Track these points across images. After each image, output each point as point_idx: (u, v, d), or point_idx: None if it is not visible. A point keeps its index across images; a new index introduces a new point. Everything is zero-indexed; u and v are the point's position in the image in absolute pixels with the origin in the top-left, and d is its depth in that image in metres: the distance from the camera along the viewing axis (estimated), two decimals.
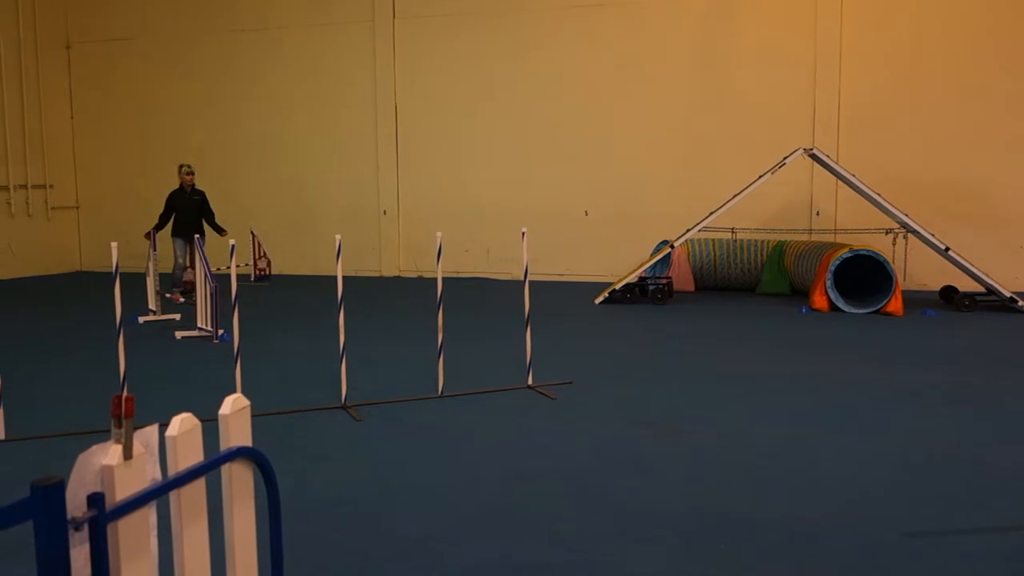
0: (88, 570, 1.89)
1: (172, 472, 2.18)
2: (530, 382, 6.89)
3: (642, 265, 12.17)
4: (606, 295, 11.76)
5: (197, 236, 10.12)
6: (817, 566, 3.67)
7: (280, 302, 12.26)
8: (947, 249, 10.91)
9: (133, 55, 16.62)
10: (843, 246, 11.09)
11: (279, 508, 2.51)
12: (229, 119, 16.12)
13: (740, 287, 12.91)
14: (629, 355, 8.26)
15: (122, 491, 1.97)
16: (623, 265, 13.54)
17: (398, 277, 15.33)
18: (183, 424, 2.21)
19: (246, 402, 2.47)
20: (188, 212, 11.70)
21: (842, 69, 13.07)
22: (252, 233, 14.46)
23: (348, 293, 6.70)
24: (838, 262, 10.65)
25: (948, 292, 11.44)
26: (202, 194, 11.91)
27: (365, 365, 7.65)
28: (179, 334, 9.43)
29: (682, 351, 8.45)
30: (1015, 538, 3.94)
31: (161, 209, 11.85)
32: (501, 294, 12.78)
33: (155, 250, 10.96)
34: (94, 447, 1.95)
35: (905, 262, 11.78)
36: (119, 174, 16.87)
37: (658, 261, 12.22)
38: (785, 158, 11.36)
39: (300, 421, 6.03)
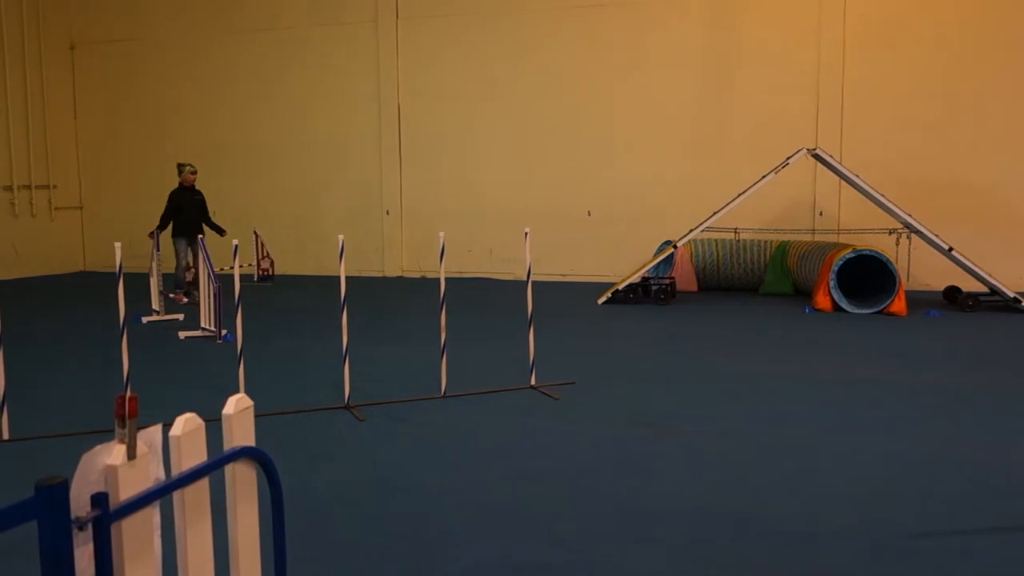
0: (92, 570, 1.90)
1: (176, 472, 2.18)
2: (533, 382, 6.90)
3: (645, 265, 12.17)
4: (609, 295, 11.76)
5: (200, 236, 10.15)
6: (819, 566, 3.67)
7: (283, 302, 12.27)
8: (950, 249, 10.89)
9: (137, 56, 16.65)
10: (846, 246, 11.08)
11: (282, 508, 2.52)
12: (231, 120, 16.14)
13: (743, 287, 12.90)
14: (632, 355, 8.26)
15: (126, 491, 1.97)
16: (626, 265, 13.53)
17: (401, 277, 15.34)
18: (187, 424, 2.22)
19: (249, 402, 2.48)
20: (191, 212, 11.71)
21: (845, 69, 13.07)
22: (255, 233, 14.48)
23: (351, 293, 6.70)
24: (841, 262, 10.64)
25: (952, 292, 11.42)
26: (201, 194, 11.93)
27: (368, 365, 7.66)
28: (182, 334, 9.44)
29: (685, 351, 8.45)
30: (1018, 539, 3.94)
31: (163, 209, 11.84)
32: (504, 294, 12.79)
33: (158, 250, 10.98)
34: (98, 447, 1.96)
35: (908, 262, 11.77)
36: (122, 175, 16.90)
37: (661, 261, 12.22)
38: (788, 158, 11.36)
39: (303, 421, 6.04)
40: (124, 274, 5.97)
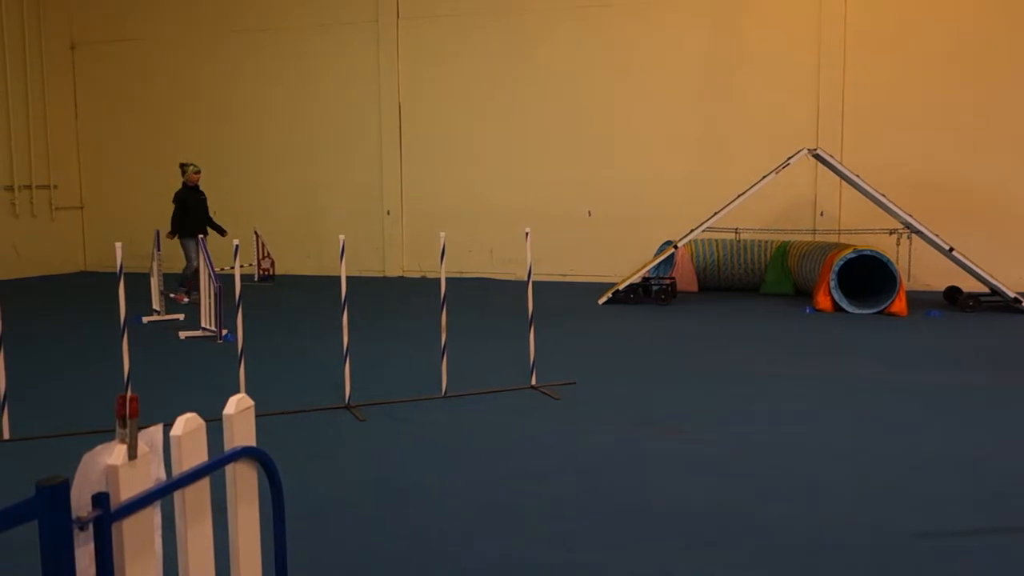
0: (93, 570, 1.90)
1: (176, 472, 2.19)
2: (533, 382, 6.90)
3: (645, 265, 12.17)
4: (609, 295, 11.76)
5: (201, 236, 10.17)
6: (820, 567, 3.67)
7: (284, 302, 12.28)
8: (951, 249, 10.89)
9: (137, 56, 16.65)
10: (847, 246, 11.07)
11: (283, 508, 2.52)
12: (232, 119, 16.14)
13: (744, 287, 12.90)
14: (632, 355, 8.27)
15: (127, 491, 1.98)
16: (626, 265, 13.54)
17: (401, 277, 15.34)
18: (187, 424, 2.23)
19: (250, 402, 2.48)
20: (199, 211, 11.67)
21: (846, 69, 13.06)
22: (256, 233, 14.48)
23: (352, 293, 6.71)
24: (842, 262, 10.64)
25: (952, 292, 11.42)
26: (204, 193, 11.92)
27: (369, 365, 7.66)
28: (183, 334, 9.45)
29: (685, 352, 8.45)
30: (1018, 539, 3.94)
31: (172, 210, 11.76)
32: (504, 294, 12.79)
33: (159, 250, 10.98)
34: (99, 447, 1.96)
35: (909, 262, 11.76)
36: (123, 174, 16.91)
37: (662, 262, 12.23)
38: (789, 158, 11.36)
39: (304, 421, 6.05)
40: (124, 274, 5.97)
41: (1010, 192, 12.60)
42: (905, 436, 5.56)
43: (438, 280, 6.96)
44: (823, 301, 10.72)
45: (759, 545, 3.88)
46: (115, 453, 1.97)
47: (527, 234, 6.93)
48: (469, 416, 6.12)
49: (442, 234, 6.82)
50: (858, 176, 11.32)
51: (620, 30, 14.03)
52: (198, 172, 11.80)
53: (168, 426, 2.19)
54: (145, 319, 10.39)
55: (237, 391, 5.70)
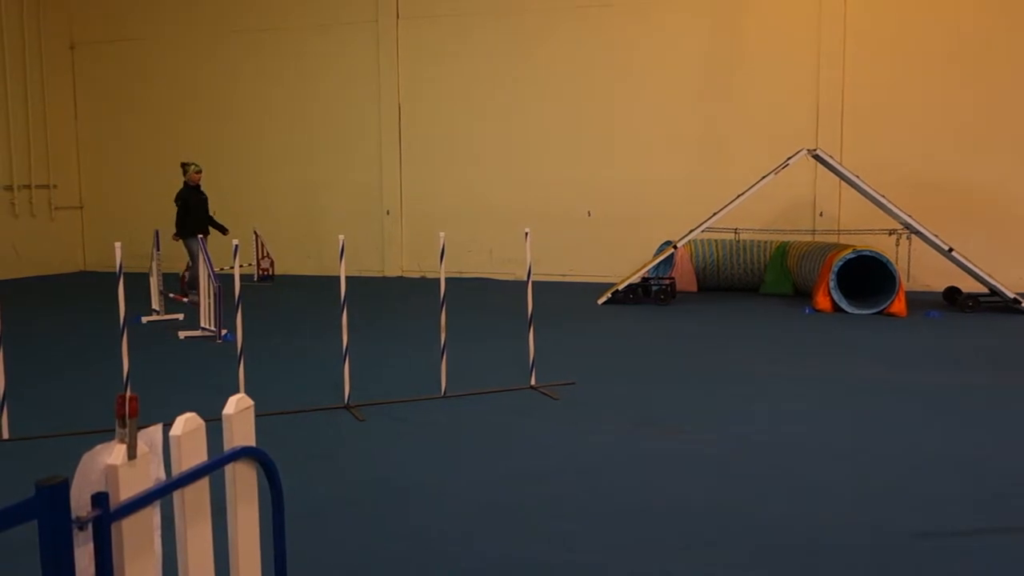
0: (92, 570, 1.90)
1: (176, 472, 2.19)
2: (533, 382, 6.90)
3: (645, 266, 12.17)
4: (609, 296, 11.76)
5: (201, 236, 10.16)
6: (820, 567, 3.67)
7: (283, 302, 12.27)
8: (950, 250, 10.89)
9: (137, 56, 16.65)
10: (846, 247, 11.08)
11: (282, 507, 2.52)
12: (232, 120, 16.14)
13: (743, 288, 12.90)
14: (632, 356, 8.26)
15: (126, 491, 1.98)
16: (626, 266, 13.54)
17: (401, 277, 15.34)
18: (187, 424, 2.23)
19: (250, 402, 2.48)
20: (201, 210, 11.64)
21: (845, 70, 13.07)
22: (255, 233, 14.48)
23: (351, 293, 6.70)
24: (841, 263, 10.64)
25: (951, 293, 11.42)
26: (205, 193, 11.89)
27: (368, 365, 7.66)
28: (182, 334, 9.45)
29: (685, 352, 8.45)
30: (1018, 539, 3.94)
31: (173, 209, 11.71)
32: (504, 294, 12.79)
33: (158, 250, 10.97)
34: (98, 447, 1.96)
35: (908, 263, 11.77)
36: (123, 174, 16.91)
37: (661, 262, 12.22)
38: (788, 159, 11.36)
39: (303, 421, 6.04)
40: (124, 274, 5.97)
41: (1009, 192, 12.61)
42: (905, 436, 5.56)
43: (437, 280, 6.96)
44: (822, 301, 10.72)
45: (759, 545, 3.88)
46: (114, 453, 1.96)
47: (527, 234, 6.92)
48: (469, 416, 6.12)
49: (442, 234, 6.82)
50: (857, 176, 11.32)
51: (620, 30, 14.03)
52: (199, 171, 11.77)
53: (167, 426, 2.19)
54: (144, 319, 10.39)
55: (236, 391, 5.69)
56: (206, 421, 2.32)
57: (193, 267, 11.74)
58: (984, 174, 12.67)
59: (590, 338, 9.30)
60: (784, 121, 13.26)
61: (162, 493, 2.08)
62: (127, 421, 2.00)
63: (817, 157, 11.59)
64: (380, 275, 15.43)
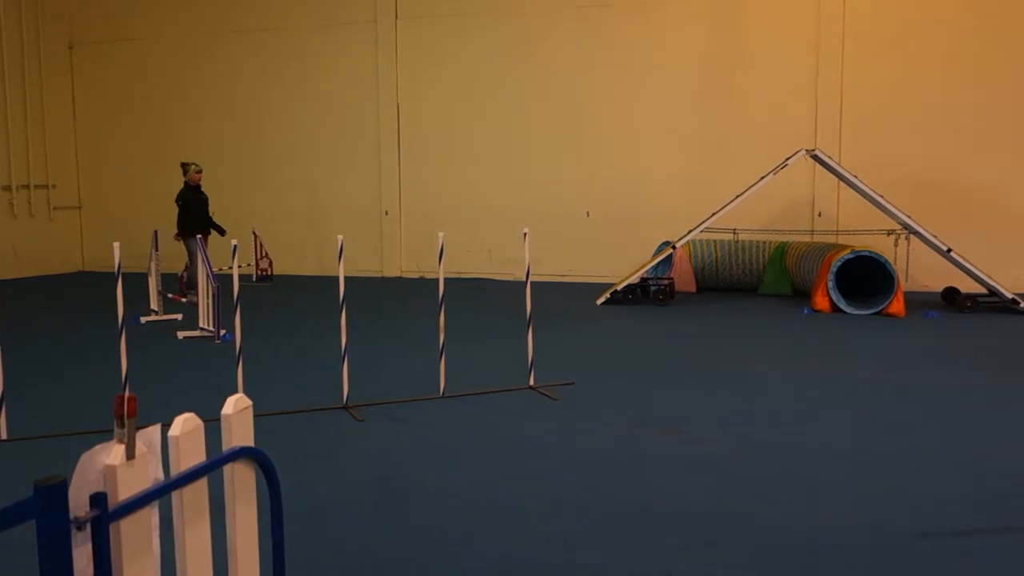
0: (90, 570, 1.89)
1: (174, 472, 2.18)
2: (532, 383, 6.89)
3: (644, 266, 12.17)
4: (608, 296, 11.76)
5: (200, 236, 10.15)
6: (820, 567, 3.67)
7: (282, 302, 12.26)
8: (949, 250, 10.90)
9: (136, 56, 16.64)
10: (845, 247, 11.08)
11: (281, 508, 2.51)
12: (230, 120, 16.13)
13: (742, 288, 12.90)
14: (630, 356, 8.26)
15: (124, 491, 1.97)
16: (625, 266, 13.53)
17: (400, 277, 15.33)
18: (185, 424, 2.22)
19: (248, 402, 2.48)
20: (201, 210, 11.61)
21: (844, 70, 13.07)
22: (254, 233, 14.47)
23: (350, 293, 6.70)
24: (840, 263, 10.64)
25: (950, 293, 11.43)
26: (205, 193, 11.86)
27: (367, 365, 7.65)
28: (181, 334, 9.44)
29: (684, 352, 8.45)
30: (1018, 539, 3.94)
31: (173, 210, 11.68)
32: (502, 294, 12.78)
33: (157, 250, 10.96)
34: (97, 447, 1.96)
35: (907, 263, 11.77)
36: (121, 174, 16.89)
37: (660, 262, 12.22)
38: (787, 159, 11.36)
39: (302, 421, 6.04)
40: (123, 274, 5.97)
41: (1008, 193, 12.61)
42: (905, 436, 5.55)
43: (436, 280, 6.96)
44: (821, 302, 10.72)
45: (759, 545, 3.88)
46: (113, 453, 1.96)
47: (525, 234, 6.92)
48: (468, 416, 6.12)
49: (440, 234, 6.82)
50: (856, 177, 11.32)
51: (620, 30, 14.03)
52: (200, 171, 11.74)
53: (166, 426, 2.19)
54: (143, 319, 10.38)
55: (235, 391, 5.68)
56: (205, 421, 2.31)
57: (192, 267, 11.72)
58: (983, 174, 12.67)
59: (589, 338, 9.30)
60: (783, 121, 13.26)
61: (161, 493, 2.07)
62: (125, 421, 2.00)
63: (816, 157, 11.59)
64: (379, 275, 15.42)
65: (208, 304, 9.30)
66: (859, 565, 3.68)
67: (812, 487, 4.62)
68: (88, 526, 1.87)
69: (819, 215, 13.37)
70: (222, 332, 9.05)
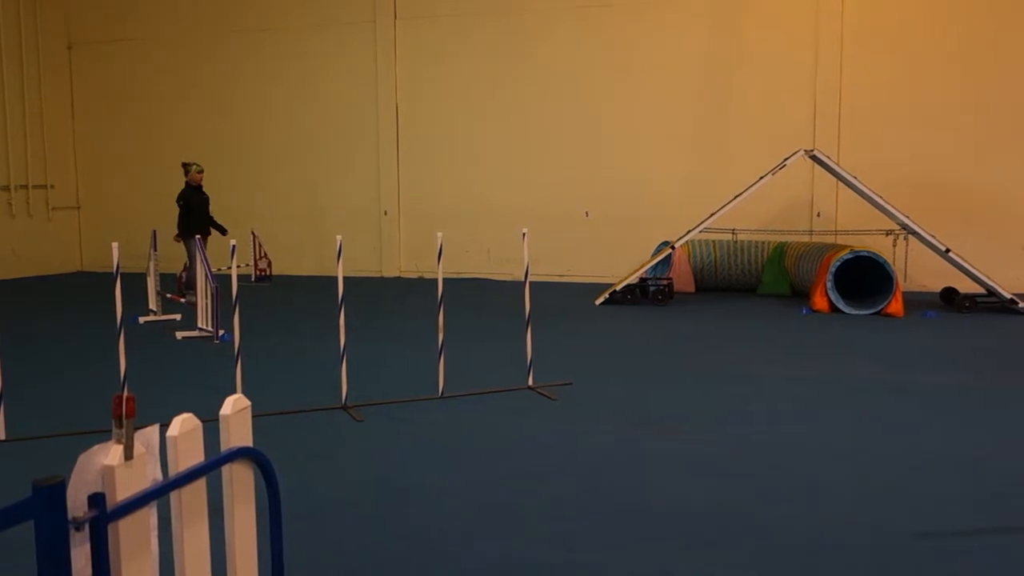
0: (89, 570, 1.89)
1: (173, 472, 2.17)
2: (530, 383, 6.89)
3: (643, 266, 12.17)
4: (607, 296, 11.75)
5: (198, 237, 10.14)
6: (820, 567, 3.66)
7: (281, 303, 12.25)
8: (947, 250, 10.90)
9: (134, 56, 16.63)
10: (844, 247, 11.08)
11: (280, 508, 2.51)
12: (229, 120, 16.12)
13: (741, 288, 12.90)
14: (629, 356, 8.26)
15: (123, 491, 1.97)
16: (624, 266, 13.53)
17: (399, 278, 15.33)
18: (184, 424, 2.21)
19: (247, 402, 2.47)
20: (202, 211, 11.59)
21: (843, 70, 13.07)
22: (253, 233, 14.46)
23: (348, 294, 6.69)
24: (839, 263, 10.64)
25: (948, 293, 11.43)
26: (206, 193, 11.84)
27: (365, 366, 7.65)
28: (180, 334, 9.43)
29: (683, 352, 8.44)
30: (1018, 540, 3.94)
31: (173, 210, 11.65)
32: (501, 295, 12.78)
33: (156, 250, 10.94)
34: (95, 447, 1.95)
35: (906, 263, 11.77)
36: (120, 174, 16.88)
37: (659, 262, 12.22)
38: (786, 159, 11.36)
39: (301, 421, 6.03)
40: (121, 274, 5.96)
41: (1007, 193, 12.62)
42: (904, 436, 5.55)
43: (435, 280, 6.95)
44: (820, 302, 10.72)
45: (759, 545, 3.88)
46: (111, 453, 1.95)
47: (524, 235, 6.92)
48: (467, 416, 6.11)
49: (439, 234, 6.81)
50: (855, 177, 11.32)
51: (620, 30, 14.03)
52: (201, 171, 11.72)
53: (164, 426, 2.18)
54: (142, 319, 10.37)
55: (234, 391, 5.69)
56: (203, 422, 2.30)
57: (191, 268, 11.70)
58: (981, 175, 12.68)
59: (587, 338, 9.29)
60: (782, 122, 13.26)
61: (159, 494, 2.07)
62: (124, 422, 1.99)
63: (814, 158, 11.60)
64: (378, 275, 15.41)
65: (207, 304, 9.29)
66: (859, 565, 3.67)
67: (812, 487, 4.62)
68: (86, 526, 1.86)
69: (818, 215, 13.37)
70: (221, 332, 9.04)
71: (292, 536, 3.48)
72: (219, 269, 11.90)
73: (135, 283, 11.26)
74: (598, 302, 11.72)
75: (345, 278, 6.45)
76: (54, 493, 1.77)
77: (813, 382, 7.06)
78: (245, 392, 4.89)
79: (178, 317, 10.52)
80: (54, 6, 16.58)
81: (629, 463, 5.06)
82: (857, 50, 13.01)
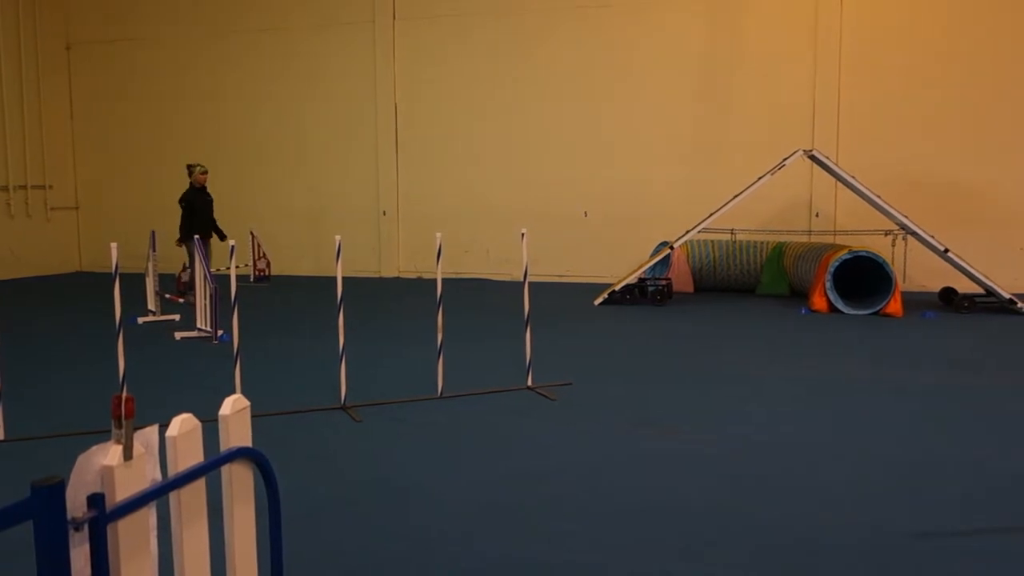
0: (88, 571, 1.88)
1: (172, 473, 2.17)
2: (529, 383, 6.88)
3: (642, 266, 12.16)
4: (605, 296, 11.75)
5: (197, 237, 10.13)
6: (820, 567, 3.66)
7: (279, 303, 12.25)
8: (946, 251, 10.90)
9: (133, 56, 16.61)
10: (842, 247, 11.08)
11: (279, 508, 2.51)
12: (228, 120, 16.11)
13: (739, 288, 12.90)
14: (628, 356, 8.26)
15: (122, 492, 1.96)
16: (623, 266, 13.53)
17: (398, 278, 15.32)
18: (183, 425, 2.21)
19: (246, 403, 2.47)
20: (205, 212, 11.57)
21: (842, 70, 13.08)
22: (251, 234, 14.45)
23: (347, 294, 6.69)
24: (837, 263, 10.65)
25: (947, 294, 11.44)
26: (211, 195, 11.82)
27: (364, 366, 7.64)
28: (178, 335, 9.42)
29: (682, 352, 8.44)
30: (1018, 540, 3.94)
31: (171, 210, 11.61)
32: (500, 295, 12.78)
33: (154, 250, 10.94)
34: (94, 447, 1.95)
35: (904, 263, 11.77)
36: (118, 175, 16.86)
37: (658, 262, 12.22)
38: (785, 159, 11.36)
39: (300, 422, 6.02)
40: (120, 274, 5.96)
41: (1006, 193, 12.62)
42: (904, 436, 5.55)
43: (434, 281, 6.95)
44: (819, 302, 10.72)
45: (759, 545, 3.87)
46: (111, 454, 1.95)
47: (523, 235, 6.91)
48: (466, 416, 6.11)
49: (438, 235, 6.81)
50: (853, 177, 11.32)
51: (619, 30, 14.03)
52: (205, 172, 11.69)
53: (164, 427, 2.18)
54: (140, 320, 10.36)
55: (233, 392, 5.68)
56: (202, 422, 2.30)
57: (192, 268, 11.68)
58: (980, 175, 12.68)
59: (586, 338, 9.29)
60: (781, 122, 13.26)
61: (158, 494, 2.07)
62: (123, 422, 1.99)
63: (813, 158, 11.60)
64: (377, 276, 15.41)
65: (205, 305, 9.29)
66: (859, 565, 3.67)
67: (812, 487, 4.61)
68: (86, 527, 1.86)
69: (817, 215, 13.37)
70: (219, 333, 9.03)
71: (291, 536, 3.48)
72: (217, 269, 11.92)
73: (134, 283, 11.25)
74: (597, 302, 11.72)
75: (344, 278, 6.45)
76: (53, 493, 1.76)
77: (812, 382, 7.06)
78: (244, 392, 4.89)
79: (177, 317, 10.51)
80: (53, 6, 16.56)
81: (629, 463, 5.06)
82: (856, 50, 13.01)
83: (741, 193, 11.38)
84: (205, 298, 9.27)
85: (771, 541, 3.91)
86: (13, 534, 1.87)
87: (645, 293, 11.76)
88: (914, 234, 11.12)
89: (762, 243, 12.73)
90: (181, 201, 11.44)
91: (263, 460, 2.45)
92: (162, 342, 9.17)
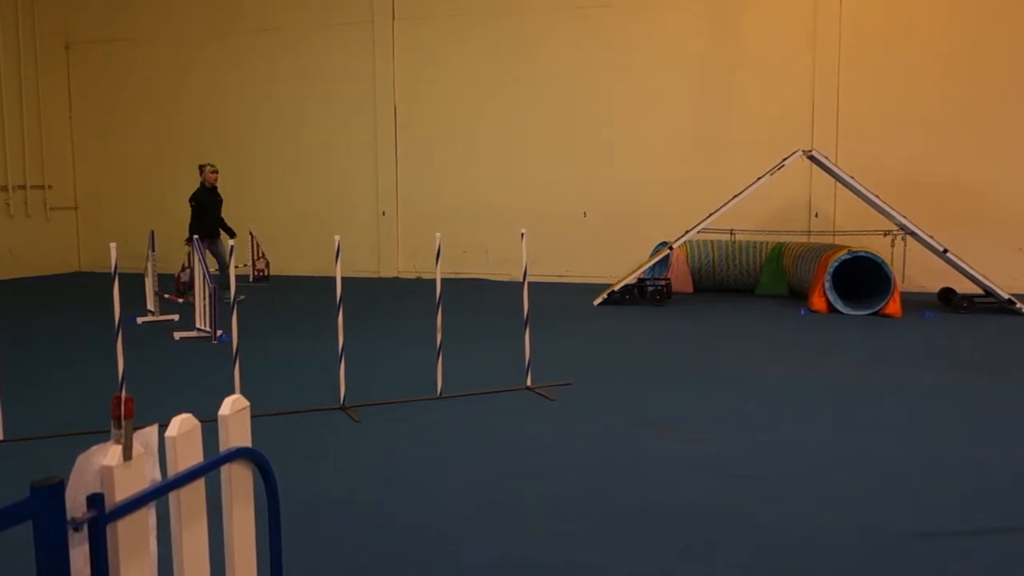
0: (87, 571, 1.88)
1: (172, 473, 2.17)
2: (529, 383, 6.88)
3: (641, 266, 12.16)
4: (605, 296, 11.75)
5: (197, 237, 10.12)
6: (820, 567, 3.66)
7: (279, 303, 12.24)
8: (945, 251, 10.90)
9: (132, 56, 16.60)
10: (842, 248, 11.08)
11: (278, 508, 2.50)
12: (227, 120, 16.10)
13: (739, 288, 12.90)
14: (628, 356, 8.26)
15: (122, 492, 1.96)
16: (622, 266, 13.53)
17: (397, 278, 15.32)
18: (183, 425, 2.21)
19: (245, 403, 2.46)
20: (216, 211, 11.55)
21: (841, 71, 13.08)
22: (251, 234, 14.44)
23: (346, 294, 6.69)
24: (837, 264, 10.65)
25: (946, 294, 11.44)
26: (220, 195, 11.80)
27: (363, 366, 7.64)
28: (178, 335, 9.41)
29: (681, 352, 8.44)
30: (1018, 540, 3.94)
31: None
32: (500, 295, 12.77)
33: (154, 250, 10.93)
34: (94, 448, 1.94)
35: (904, 264, 11.77)
36: (118, 175, 16.85)
37: (657, 262, 12.22)
38: (784, 160, 11.36)
39: (299, 422, 6.02)
40: (119, 274, 5.95)
41: (1005, 194, 12.62)
42: (903, 436, 5.55)
43: (433, 281, 6.94)
44: (818, 302, 10.72)
45: (759, 545, 3.87)
46: (110, 454, 1.95)
47: (523, 235, 6.91)
48: (466, 417, 6.10)
49: (438, 235, 6.81)
50: (853, 177, 11.32)
51: (619, 30, 14.03)
52: (215, 172, 11.67)
53: (163, 427, 2.17)
54: (140, 320, 10.35)
55: (232, 392, 5.68)
56: (202, 422, 2.30)
57: (220, 269, 11.66)
58: (979, 175, 12.68)
59: (586, 338, 9.29)
60: (780, 122, 13.26)
61: (158, 494, 2.06)
62: (122, 422, 1.99)
63: (812, 158, 11.60)
64: (376, 276, 15.40)
65: (205, 305, 9.28)
66: (859, 565, 3.67)
67: (812, 487, 4.61)
68: (85, 527, 1.86)
69: (816, 216, 13.38)
70: (219, 333, 9.03)
71: (290, 536, 3.48)
72: (216, 270, 11.91)
73: (133, 283, 11.25)
74: (596, 302, 11.72)
75: (343, 279, 6.45)
76: (53, 493, 1.76)
77: (811, 382, 7.06)
78: (243, 392, 4.88)
79: (176, 317, 10.50)
80: (52, 6, 16.55)
81: (629, 463, 5.05)
82: (855, 50, 13.01)
83: (740, 193, 11.37)
84: (204, 298, 9.27)
85: (771, 541, 3.91)
86: (13, 534, 1.87)
87: (644, 293, 11.76)
88: (913, 234, 11.12)
89: (761, 243, 12.73)
90: (191, 200, 11.42)
91: (262, 460, 2.44)
92: (161, 342, 9.16)
